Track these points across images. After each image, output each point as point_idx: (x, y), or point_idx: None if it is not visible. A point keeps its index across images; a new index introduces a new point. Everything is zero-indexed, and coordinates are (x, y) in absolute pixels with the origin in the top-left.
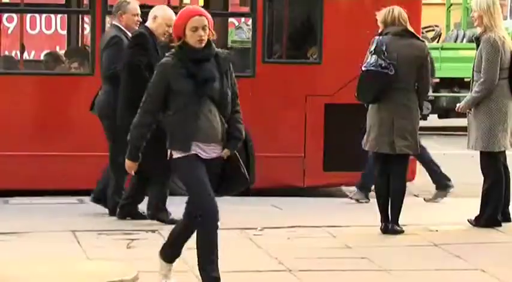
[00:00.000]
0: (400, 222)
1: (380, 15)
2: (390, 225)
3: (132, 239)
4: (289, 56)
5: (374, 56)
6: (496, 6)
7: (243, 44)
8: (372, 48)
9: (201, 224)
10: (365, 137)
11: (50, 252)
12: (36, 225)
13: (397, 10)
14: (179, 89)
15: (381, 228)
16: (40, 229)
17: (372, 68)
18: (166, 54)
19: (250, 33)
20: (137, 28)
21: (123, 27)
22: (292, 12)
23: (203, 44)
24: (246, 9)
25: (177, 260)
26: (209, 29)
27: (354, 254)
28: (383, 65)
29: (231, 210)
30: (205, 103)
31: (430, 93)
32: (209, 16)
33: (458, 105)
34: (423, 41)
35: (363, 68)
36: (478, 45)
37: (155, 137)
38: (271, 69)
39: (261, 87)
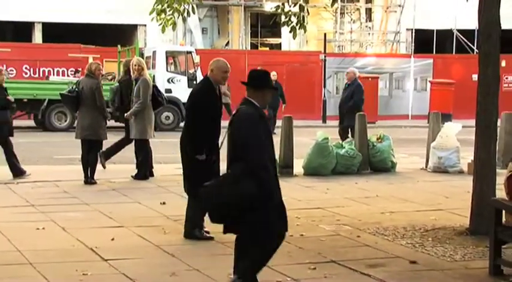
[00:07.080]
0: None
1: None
2: (89, 179)
3: None
4: None
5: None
6: (143, 62)
7: None
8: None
9: None
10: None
11: None
12: None
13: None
14: None
15: (85, 182)
16: None
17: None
18: None
19: None
20: None
21: None
22: None
23: None
24: None
25: None
26: None
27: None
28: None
29: None
30: None
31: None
32: None
33: (126, 114)
34: (96, 79)
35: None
36: (131, 82)
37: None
38: None
39: None
